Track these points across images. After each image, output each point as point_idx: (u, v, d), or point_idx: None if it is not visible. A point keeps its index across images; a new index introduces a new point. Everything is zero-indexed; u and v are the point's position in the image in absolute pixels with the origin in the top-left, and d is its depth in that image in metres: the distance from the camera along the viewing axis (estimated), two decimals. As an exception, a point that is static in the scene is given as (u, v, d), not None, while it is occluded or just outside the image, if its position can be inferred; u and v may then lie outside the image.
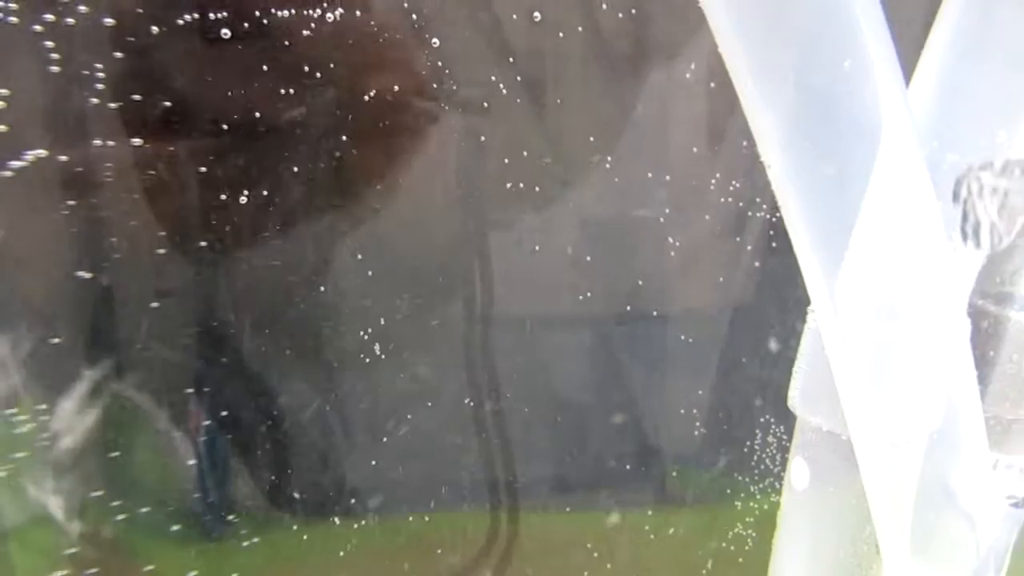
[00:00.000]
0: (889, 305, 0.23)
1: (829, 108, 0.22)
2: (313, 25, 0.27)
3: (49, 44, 0.25)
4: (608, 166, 0.30)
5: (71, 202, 0.27)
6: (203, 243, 0.28)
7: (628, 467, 0.34)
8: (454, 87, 0.29)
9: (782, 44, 0.22)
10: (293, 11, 0.26)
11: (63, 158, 0.26)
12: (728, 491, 0.34)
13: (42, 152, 0.26)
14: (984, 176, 0.19)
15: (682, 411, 0.33)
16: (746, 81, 0.21)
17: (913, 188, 0.22)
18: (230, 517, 0.31)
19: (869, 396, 0.24)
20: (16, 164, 0.25)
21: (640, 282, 0.32)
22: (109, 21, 0.25)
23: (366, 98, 0.28)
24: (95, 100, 0.26)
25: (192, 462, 0.30)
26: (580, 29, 0.29)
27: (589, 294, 0.32)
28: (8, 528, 0.30)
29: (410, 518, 0.33)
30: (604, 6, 0.29)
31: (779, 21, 0.21)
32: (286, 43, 0.26)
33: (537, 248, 0.31)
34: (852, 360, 0.24)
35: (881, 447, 0.25)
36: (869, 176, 0.22)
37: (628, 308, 0.32)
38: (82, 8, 0.25)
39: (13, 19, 0.24)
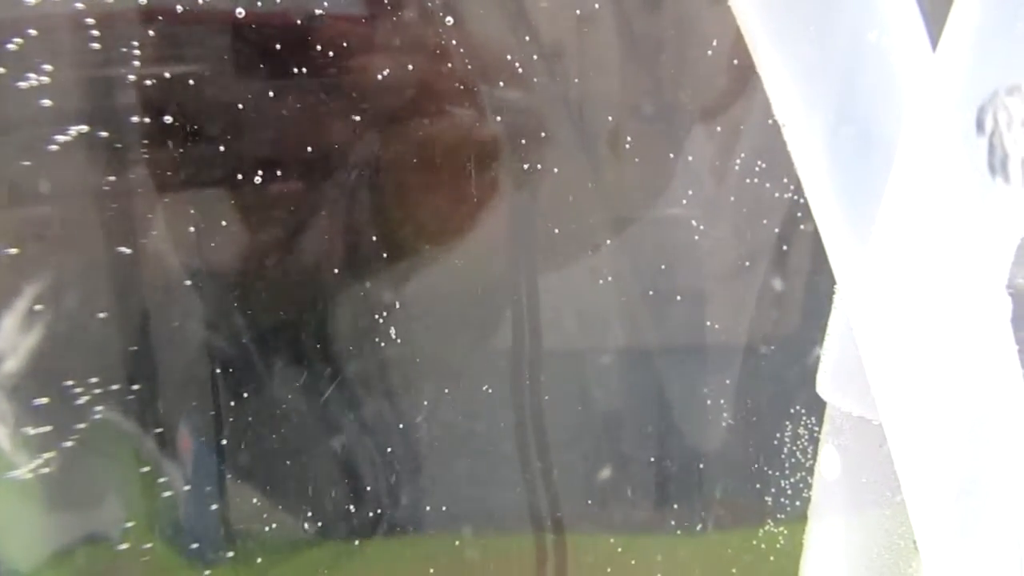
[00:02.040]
0: (920, 279, 0.22)
1: (850, 65, 0.21)
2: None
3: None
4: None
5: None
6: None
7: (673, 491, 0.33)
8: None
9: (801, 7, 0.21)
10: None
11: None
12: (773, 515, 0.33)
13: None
14: (1011, 103, 0.18)
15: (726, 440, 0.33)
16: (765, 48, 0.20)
17: (944, 152, 0.20)
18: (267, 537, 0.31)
19: (901, 377, 0.23)
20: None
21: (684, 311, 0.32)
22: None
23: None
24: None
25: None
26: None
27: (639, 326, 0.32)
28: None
29: (456, 542, 0.33)
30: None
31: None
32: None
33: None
34: (882, 339, 0.23)
35: (916, 432, 0.23)
36: (895, 140, 0.21)
37: (673, 336, 0.32)
38: None
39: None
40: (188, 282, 0.28)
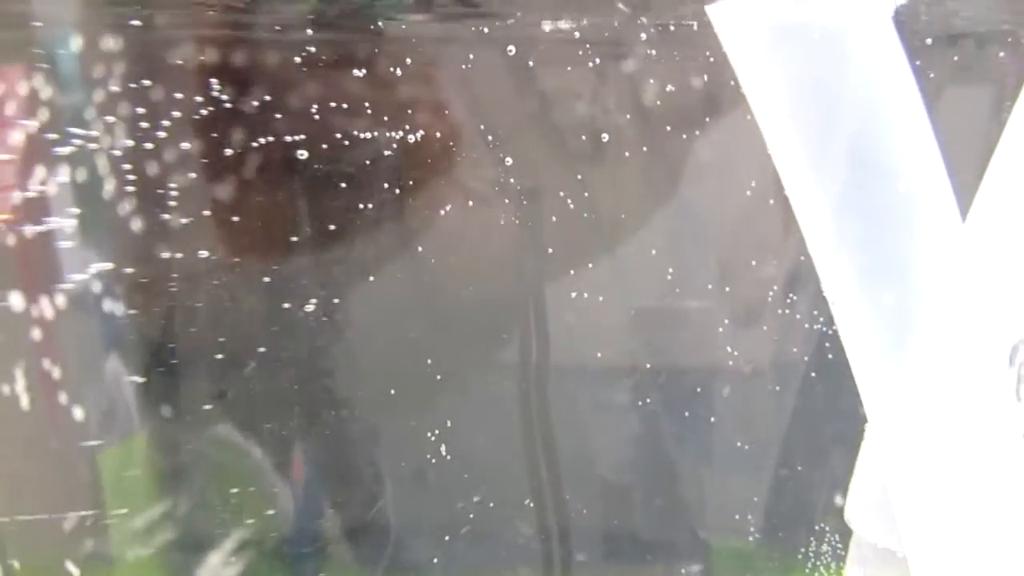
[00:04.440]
0: (946, 422, 0.24)
1: (886, 231, 0.23)
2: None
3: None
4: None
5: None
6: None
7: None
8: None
9: (832, 167, 0.23)
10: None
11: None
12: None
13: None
14: None
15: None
16: (809, 216, 0.22)
17: (969, 314, 0.23)
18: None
19: (926, 515, 0.25)
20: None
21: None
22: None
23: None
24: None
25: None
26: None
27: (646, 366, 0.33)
28: None
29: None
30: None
31: (830, 137, 0.23)
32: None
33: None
34: (908, 476, 0.25)
35: (937, 569, 0.25)
36: (926, 304, 0.23)
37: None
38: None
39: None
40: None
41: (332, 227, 0.29)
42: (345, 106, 0.28)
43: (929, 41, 0.26)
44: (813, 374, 0.32)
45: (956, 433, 0.22)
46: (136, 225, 0.28)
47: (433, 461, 0.31)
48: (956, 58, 0.27)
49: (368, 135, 0.28)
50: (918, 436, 0.23)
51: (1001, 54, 0.27)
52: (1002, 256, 0.22)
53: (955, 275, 0.21)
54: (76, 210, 0.27)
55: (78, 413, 0.28)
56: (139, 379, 0.30)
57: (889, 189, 0.22)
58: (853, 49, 0.22)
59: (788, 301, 0.32)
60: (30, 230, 0.27)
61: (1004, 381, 0.21)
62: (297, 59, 0.27)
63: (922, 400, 0.22)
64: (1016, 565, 0.23)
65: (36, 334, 0.27)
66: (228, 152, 0.27)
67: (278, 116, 0.27)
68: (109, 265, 0.28)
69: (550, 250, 0.31)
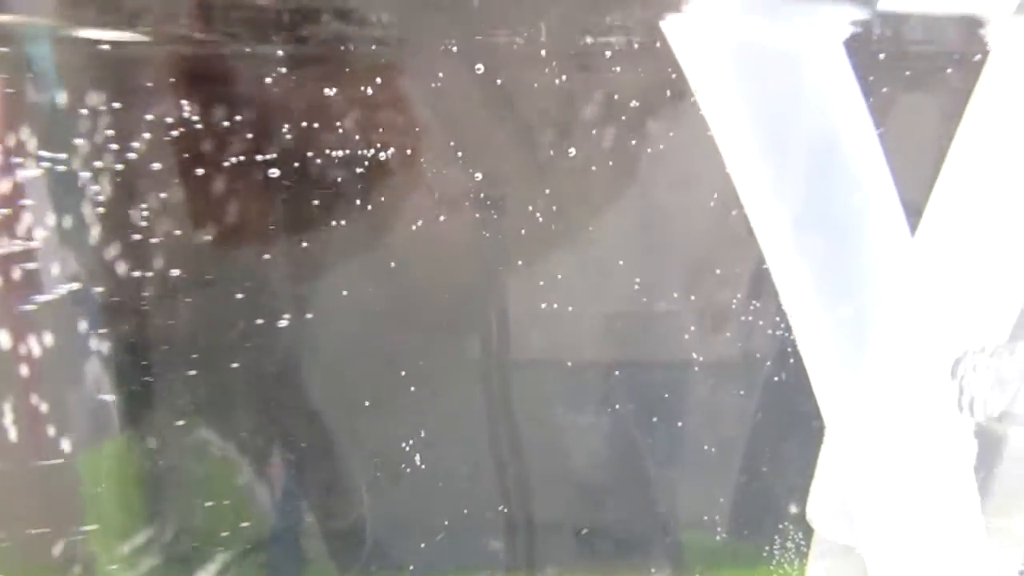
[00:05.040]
0: (896, 430, 0.25)
1: (840, 246, 0.24)
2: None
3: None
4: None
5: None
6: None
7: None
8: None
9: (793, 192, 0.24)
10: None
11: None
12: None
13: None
14: (978, 358, 0.22)
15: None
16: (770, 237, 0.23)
17: (916, 327, 0.24)
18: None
19: (880, 515, 0.26)
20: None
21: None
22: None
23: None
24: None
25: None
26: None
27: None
28: None
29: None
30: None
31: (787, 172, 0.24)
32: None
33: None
34: (863, 482, 0.26)
35: (891, 563, 0.26)
36: (878, 317, 0.24)
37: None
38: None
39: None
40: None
41: (300, 240, 0.30)
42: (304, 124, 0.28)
43: (882, 56, 0.27)
44: (776, 378, 0.33)
45: (906, 440, 0.23)
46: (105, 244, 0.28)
47: (408, 470, 0.32)
48: (908, 73, 0.28)
49: (335, 153, 0.29)
50: (871, 442, 0.24)
51: (949, 70, 0.28)
52: (947, 273, 0.23)
53: (903, 290, 0.22)
54: (45, 231, 0.27)
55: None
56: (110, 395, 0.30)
57: (842, 206, 0.23)
58: (806, 71, 0.22)
59: (752, 307, 0.32)
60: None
61: (947, 392, 0.22)
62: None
63: (874, 409, 0.23)
64: (958, 557, 0.24)
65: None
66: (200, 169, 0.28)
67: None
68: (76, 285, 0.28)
69: (519, 262, 0.32)
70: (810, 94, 0.22)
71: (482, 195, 0.31)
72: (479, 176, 0.31)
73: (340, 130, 0.29)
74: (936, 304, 0.22)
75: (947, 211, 0.23)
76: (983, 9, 0.23)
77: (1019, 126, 0.24)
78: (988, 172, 0.23)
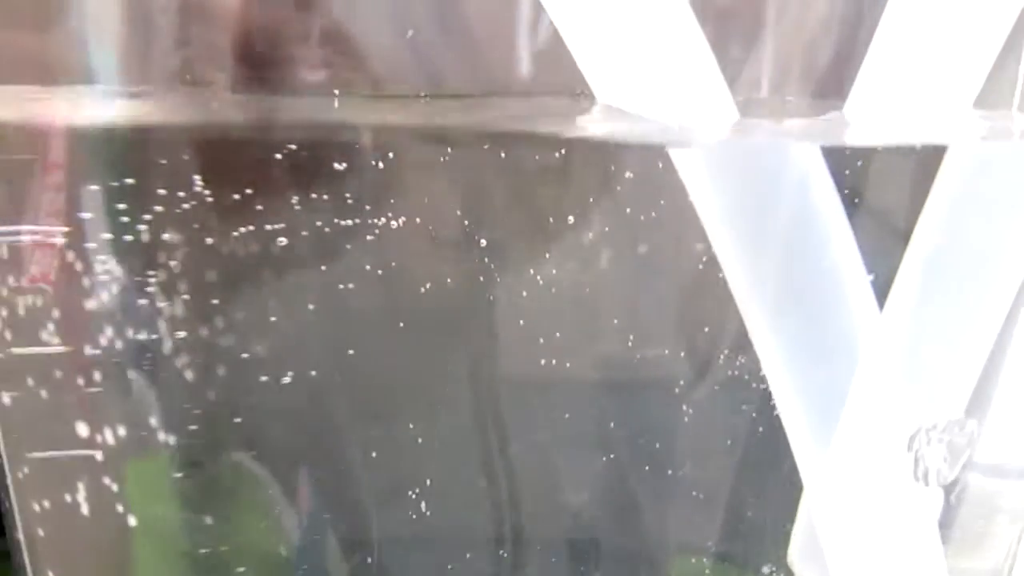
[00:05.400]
0: (861, 495, 0.28)
1: (813, 323, 0.27)
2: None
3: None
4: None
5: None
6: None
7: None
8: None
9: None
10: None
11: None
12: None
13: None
14: (931, 433, 0.24)
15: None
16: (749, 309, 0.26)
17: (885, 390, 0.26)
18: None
19: (852, 566, 0.28)
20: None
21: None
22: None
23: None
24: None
25: None
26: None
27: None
28: None
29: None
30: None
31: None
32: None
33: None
34: (836, 532, 0.28)
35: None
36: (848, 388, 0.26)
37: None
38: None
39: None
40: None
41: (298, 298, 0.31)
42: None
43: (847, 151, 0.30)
44: (761, 429, 0.35)
45: (870, 504, 0.26)
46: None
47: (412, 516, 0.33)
48: (873, 165, 0.31)
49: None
50: (841, 502, 0.26)
51: (912, 159, 0.30)
52: (906, 351, 0.25)
53: (866, 366, 0.24)
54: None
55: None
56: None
57: (813, 285, 0.26)
58: (780, 166, 0.25)
59: (737, 363, 0.35)
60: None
61: (904, 464, 0.25)
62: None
63: (842, 474, 0.25)
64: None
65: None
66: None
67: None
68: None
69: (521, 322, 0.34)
70: (786, 187, 0.25)
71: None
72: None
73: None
74: (893, 381, 0.24)
75: (908, 293, 0.26)
76: (948, 138, 0.26)
77: (978, 213, 0.27)
78: (946, 258, 0.26)
